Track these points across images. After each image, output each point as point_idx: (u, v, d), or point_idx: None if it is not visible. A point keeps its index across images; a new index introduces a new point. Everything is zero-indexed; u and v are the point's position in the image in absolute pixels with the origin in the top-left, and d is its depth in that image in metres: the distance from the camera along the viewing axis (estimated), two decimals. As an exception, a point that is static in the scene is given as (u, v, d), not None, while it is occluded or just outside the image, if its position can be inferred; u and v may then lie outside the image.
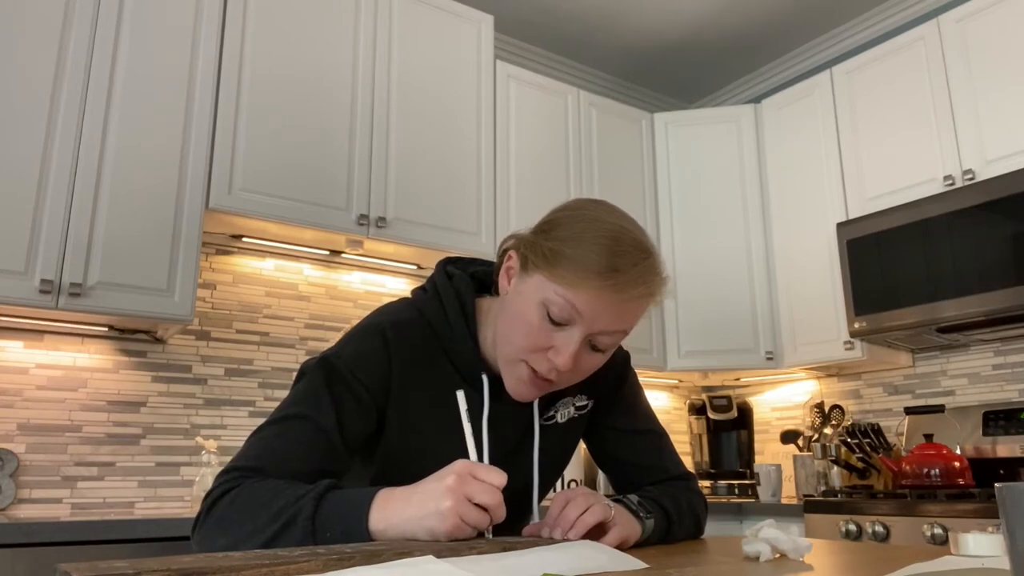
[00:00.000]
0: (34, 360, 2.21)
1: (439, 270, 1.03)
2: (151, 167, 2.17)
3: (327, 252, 2.70)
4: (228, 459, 2.60)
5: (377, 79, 2.65)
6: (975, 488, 2.31)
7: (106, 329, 2.28)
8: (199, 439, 2.34)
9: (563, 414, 1.04)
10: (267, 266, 2.66)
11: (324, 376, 0.89)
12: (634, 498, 0.96)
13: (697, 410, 3.43)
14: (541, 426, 1.02)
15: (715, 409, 3.32)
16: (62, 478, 2.18)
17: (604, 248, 0.85)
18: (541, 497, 1.06)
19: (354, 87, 2.60)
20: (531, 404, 1.00)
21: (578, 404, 1.06)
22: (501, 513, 0.76)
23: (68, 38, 2.11)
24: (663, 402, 3.69)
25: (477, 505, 0.75)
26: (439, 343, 0.97)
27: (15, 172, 1.97)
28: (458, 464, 0.78)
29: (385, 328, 0.94)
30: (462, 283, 1.00)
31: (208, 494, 0.82)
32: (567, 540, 0.83)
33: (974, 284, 2.46)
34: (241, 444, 0.89)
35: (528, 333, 0.88)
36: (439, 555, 0.67)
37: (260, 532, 0.76)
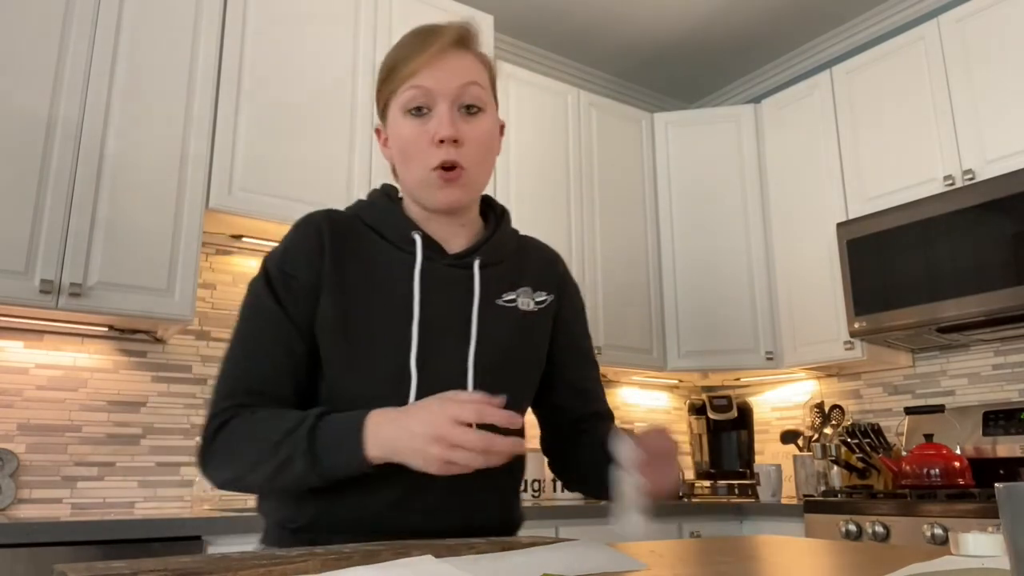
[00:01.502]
0: (34, 360, 2.21)
1: None
2: (151, 167, 2.17)
3: (327, 252, 2.69)
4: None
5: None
6: (975, 488, 2.31)
7: (106, 329, 2.28)
8: (199, 439, 2.34)
9: (524, 302, 1.03)
10: (267, 266, 2.66)
11: (263, 282, 0.97)
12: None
13: (697, 410, 3.43)
14: (497, 305, 1.00)
15: (715, 409, 3.32)
16: (62, 478, 2.18)
17: (407, 39, 0.98)
18: (510, 395, 0.91)
19: (354, 87, 2.60)
20: (472, 268, 0.99)
21: (538, 299, 1.04)
22: (496, 446, 0.76)
23: (68, 38, 2.11)
24: (663, 402, 3.69)
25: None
26: (368, 226, 1.01)
27: (15, 172, 1.97)
28: (441, 404, 0.78)
29: (313, 214, 1.01)
30: (383, 185, 1.07)
31: (207, 423, 0.90)
32: (567, 540, 0.83)
33: (974, 284, 2.46)
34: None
35: (412, 142, 0.95)
36: (438, 555, 0.67)
37: (263, 465, 0.84)
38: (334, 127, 2.52)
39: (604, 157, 3.31)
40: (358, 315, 0.94)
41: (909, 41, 2.87)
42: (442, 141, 0.92)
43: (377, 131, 1.04)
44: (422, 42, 0.95)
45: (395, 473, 0.81)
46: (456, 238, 1.01)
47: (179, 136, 2.23)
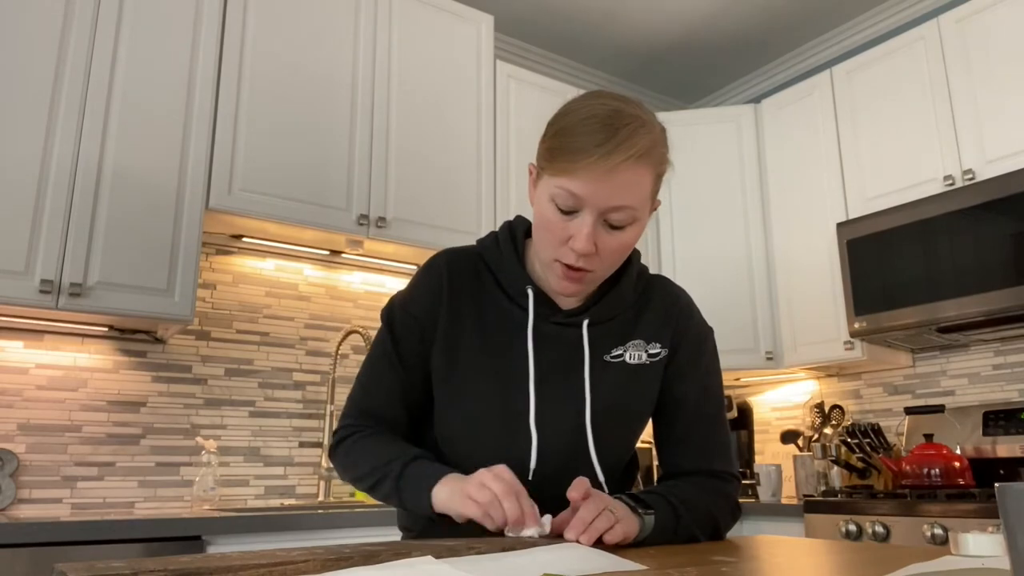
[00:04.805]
0: (34, 360, 2.21)
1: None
2: (151, 167, 2.17)
3: (327, 252, 2.70)
4: (228, 459, 2.59)
5: (377, 79, 2.65)
6: (975, 488, 2.30)
7: (106, 329, 2.28)
8: (199, 439, 2.34)
9: (633, 355, 1.04)
10: (267, 266, 2.66)
11: (387, 320, 1.07)
12: (628, 498, 0.95)
13: (697, 410, 3.42)
14: (605, 361, 1.02)
15: (715, 409, 3.32)
16: (62, 478, 2.18)
17: (585, 130, 0.89)
18: (622, 444, 1.05)
19: (354, 87, 2.60)
20: (581, 327, 1.01)
21: (651, 351, 1.05)
22: (509, 506, 0.83)
23: (68, 38, 2.11)
24: (663, 402, 3.68)
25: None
26: (490, 271, 1.05)
27: (15, 172, 1.97)
28: (490, 472, 0.88)
29: (440, 257, 1.07)
30: (517, 220, 1.09)
31: (334, 434, 1.06)
32: (566, 541, 0.83)
33: (974, 284, 2.46)
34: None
35: (548, 229, 0.93)
36: (438, 555, 0.67)
37: (367, 478, 0.99)
38: (334, 127, 2.52)
39: (604, 157, 3.31)
40: (468, 363, 1.01)
41: (909, 41, 2.87)
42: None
43: (530, 167, 1.00)
44: (596, 145, 0.87)
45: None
46: None
47: (179, 136, 2.23)
